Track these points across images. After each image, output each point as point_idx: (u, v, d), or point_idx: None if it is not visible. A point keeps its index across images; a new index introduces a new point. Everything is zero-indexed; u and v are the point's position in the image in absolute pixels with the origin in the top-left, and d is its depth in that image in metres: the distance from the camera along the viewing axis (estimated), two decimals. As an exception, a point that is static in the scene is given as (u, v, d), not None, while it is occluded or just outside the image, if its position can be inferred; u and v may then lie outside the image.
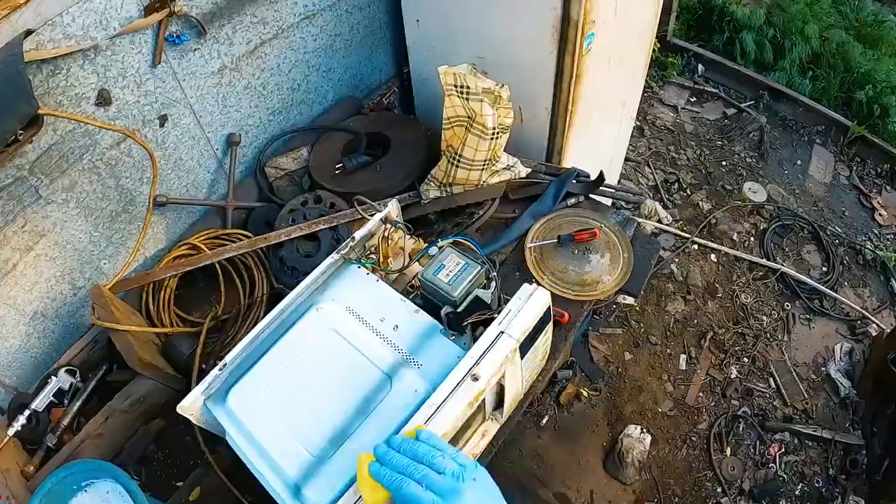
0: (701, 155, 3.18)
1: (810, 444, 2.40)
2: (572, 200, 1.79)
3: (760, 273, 2.77)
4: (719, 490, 2.27)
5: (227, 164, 1.82)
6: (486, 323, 1.14)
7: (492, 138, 1.62)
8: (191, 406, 1.17)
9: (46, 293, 1.61)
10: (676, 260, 2.77)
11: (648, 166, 3.07)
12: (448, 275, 1.20)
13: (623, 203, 2.35)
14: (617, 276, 1.67)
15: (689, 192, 3.02)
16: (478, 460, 0.94)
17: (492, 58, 1.83)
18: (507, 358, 1.09)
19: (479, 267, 1.21)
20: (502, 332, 1.09)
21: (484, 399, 1.15)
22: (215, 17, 1.62)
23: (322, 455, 1.06)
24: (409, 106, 2.20)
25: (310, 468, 1.05)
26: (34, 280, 1.56)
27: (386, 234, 1.32)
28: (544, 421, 2.38)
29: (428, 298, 1.24)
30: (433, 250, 1.26)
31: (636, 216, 2.78)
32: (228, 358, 1.20)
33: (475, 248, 1.26)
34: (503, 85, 1.64)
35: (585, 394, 2.44)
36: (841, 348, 2.61)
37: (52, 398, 1.50)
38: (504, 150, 1.77)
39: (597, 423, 2.39)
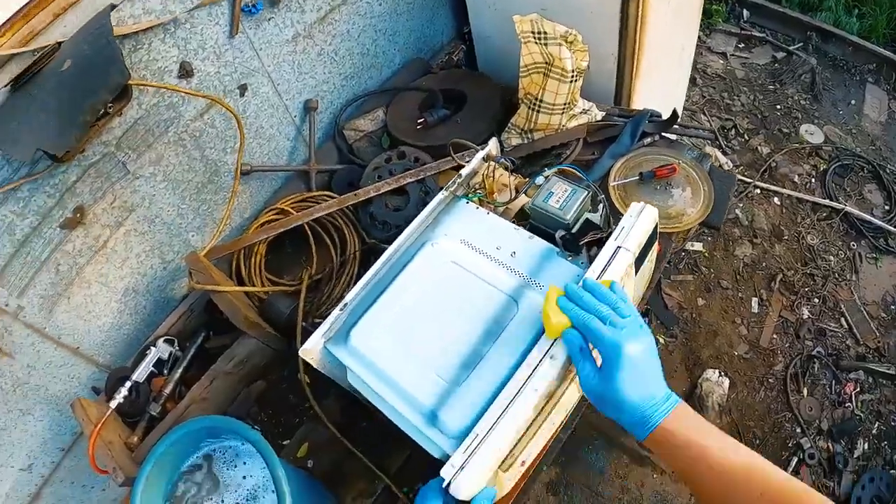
0: (755, 100, 3.09)
1: (884, 382, 2.34)
2: (648, 140, 1.76)
3: (824, 214, 2.69)
4: (798, 431, 2.23)
5: (306, 130, 1.83)
6: (599, 244, 1.13)
7: (571, 81, 1.61)
8: (312, 349, 1.16)
9: (137, 268, 1.61)
10: (741, 205, 2.71)
11: (704, 114, 2.99)
12: (558, 201, 1.20)
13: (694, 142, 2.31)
14: (700, 208, 1.64)
15: (746, 137, 2.94)
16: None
17: (555, 7, 1.80)
18: (625, 272, 1.07)
19: (587, 191, 1.20)
20: (619, 247, 1.08)
21: None
22: None
23: (455, 380, 1.05)
24: (472, 66, 2.18)
25: (444, 394, 1.04)
26: (124, 256, 1.57)
27: (490, 171, 1.31)
28: (622, 370, 2.35)
29: (538, 227, 1.23)
30: (539, 180, 1.25)
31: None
32: (348, 298, 1.20)
33: (580, 175, 1.24)
34: (577, 33, 1.63)
35: (662, 340, 2.40)
36: (910, 288, 2.52)
37: (152, 368, 1.47)
38: (586, 99, 1.77)
39: (675, 369, 2.36)
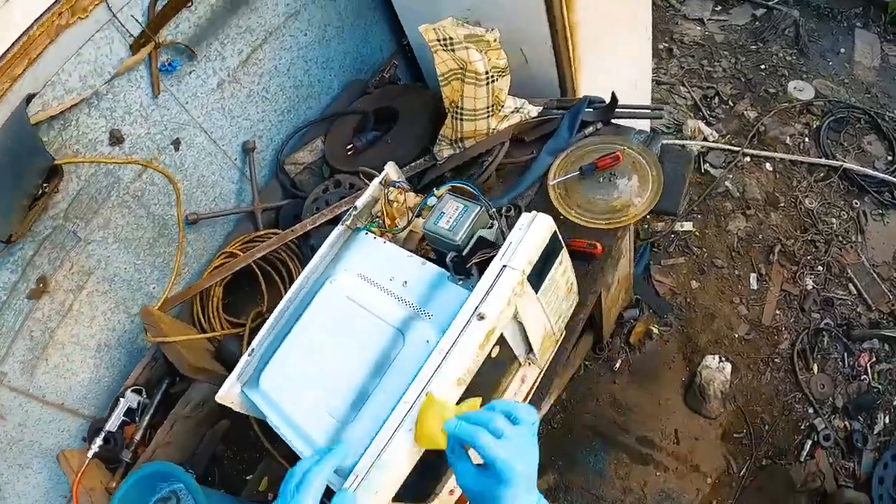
0: (737, 63, 2.90)
1: None
2: (590, 129, 1.67)
3: (821, 174, 2.50)
4: (811, 411, 2.07)
5: (248, 170, 1.82)
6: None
7: (487, 83, 1.54)
8: (228, 394, 1.20)
9: (105, 325, 1.67)
10: (730, 176, 2.55)
11: (683, 85, 2.84)
12: (448, 221, 1.15)
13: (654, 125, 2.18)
14: (648, 197, 1.55)
15: (730, 103, 2.77)
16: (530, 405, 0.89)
17: (479, 6, 1.75)
18: (514, 292, 1.02)
19: (479, 207, 1.14)
20: (505, 266, 1.02)
21: (505, 340, 1.08)
22: (201, 38, 1.63)
23: (345, 419, 1.05)
24: (419, 76, 2.14)
25: (335, 434, 1.05)
26: (91, 315, 1.63)
27: (388, 196, 1.27)
28: (617, 365, 2.25)
29: (438, 250, 1.18)
30: (432, 200, 1.21)
31: (676, 138, 2.58)
32: (255, 343, 1.22)
33: (472, 190, 1.18)
34: (492, 29, 1.57)
35: (656, 330, 2.29)
36: (922, 242, 2.30)
37: (123, 417, 1.58)
38: (512, 95, 1.70)
39: (672, 359, 2.24)
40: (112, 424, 1.57)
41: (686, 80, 2.85)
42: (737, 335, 2.24)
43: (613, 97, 1.66)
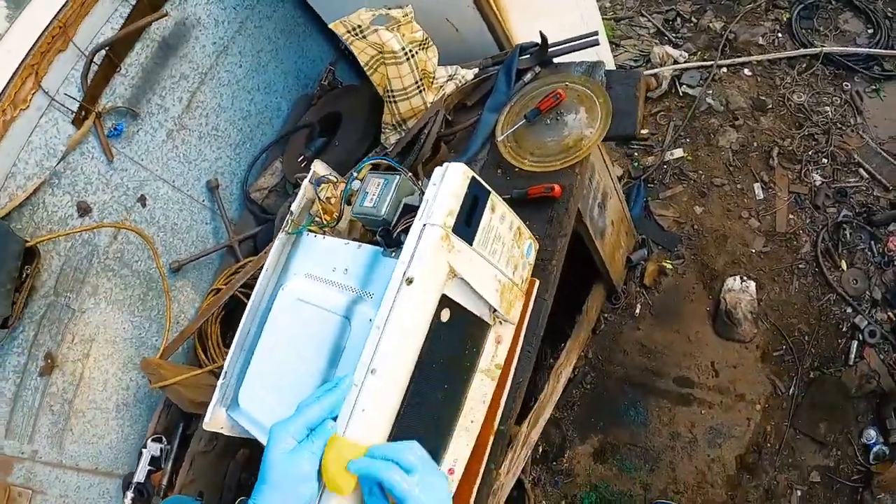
0: (690, -22, 2.71)
1: None
2: (528, 76, 1.57)
3: (803, 65, 2.30)
4: (849, 310, 1.87)
5: (218, 208, 1.81)
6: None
7: (408, 58, 1.49)
8: (214, 420, 1.19)
9: (118, 385, 1.70)
10: (710, 92, 2.38)
11: (643, 15, 2.68)
12: (372, 199, 1.09)
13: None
14: (599, 125, 1.44)
15: (693, 20, 2.60)
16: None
17: None
18: (441, 248, 0.93)
19: (398, 176, 1.07)
20: (425, 225, 0.95)
21: (453, 301, 1.00)
22: (139, 96, 1.65)
23: None
24: (362, 73, 2.08)
25: None
26: (103, 379, 1.67)
27: (321, 193, 1.21)
28: (637, 310, 2.11)
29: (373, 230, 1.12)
30: (355, 184, 1.13)
31: (647, 69, 2.42)
32: (226, 365, 1.21)
33: (388, 161, 1.11)
34: (406, 6, 1.50)
35: (669, 266, 2.13)
36: (925, 105, 2.06)
37: (149, 467, 1.60)
38: (453, 65, 1.66)
39: (692, 291, 2.08)
40: (139, 476, 1.61)
41: (644, 9, 2.69)
42: (753, 250, 2.06)
43: (543, 38, 1.57)
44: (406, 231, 1.02)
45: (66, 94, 1.50)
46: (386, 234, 1.06)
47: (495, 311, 1.12)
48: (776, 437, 1.85)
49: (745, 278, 2.00)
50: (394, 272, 0.93)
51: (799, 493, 1.79)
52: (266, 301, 1.23)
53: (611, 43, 2.51)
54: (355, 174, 1.15)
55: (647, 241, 2.16)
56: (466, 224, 1.00)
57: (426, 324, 0.95)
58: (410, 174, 1.09)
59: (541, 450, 2.01)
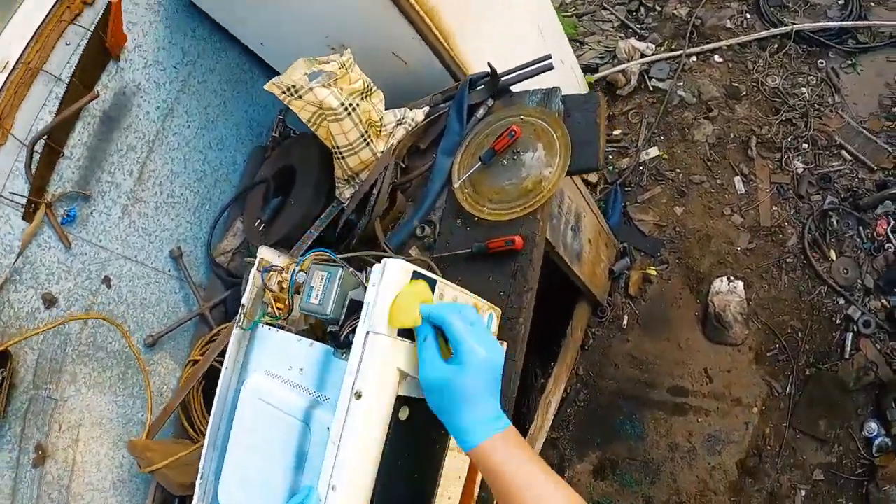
0: (649, -36, 2.54)
1: None
2: (481, 111, 1.46)
3: (775, 45, 2.17)
4: (841, 301, 1.78)
5: (185, 276, 1.73)
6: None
7: (348, 113, 1.37)
8: None
9: (111, 464, 1.67)
10: (680, 84, 2.25)
11: (605, 8, 2.53)
12: (318, 294, 1.01)
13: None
14: (558, 163, 1.34)
15: (657, 8, 2.45)
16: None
17: (332, 30, 1.63)
18: (388, 354, 0.89)
19: (340, 269, 0.98)
20: (368, 332, 0.89)
21: (412, 399, 0.94)
22: (88, 177, 1.58)
23: None
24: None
25: None
26: (96, 461, 1.63)
27: (269, 282, 1.13)
28: (625, 322, 2.03)
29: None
30: (300, 276, 1.04)
31: (614, 66, 2.28)
32: (201, 467, 1.18)
33: (328, 254, 1.02)
34: (345, 50, 1.40)
35: (653, 272, 2.05)
36: (904, 74, 1.92)
37: None
38: (408, 100, 1.60)
39: (679, 296, 2.00)
40: (141, 550, 1.58)
41: (606, 2, 2.52)
42: (739, 248, 1.97)
43: (492, 69, 1.45)
44: (354, 331, 0.94)
45: (11, 192, 1.44)
46: (334, 337, 0.98)
47: None
48: (776, 438, 1.79)
49: (732, 278, 1.91)
50: (343, 383, 0.88)
51: (803, 492, 1.74)
52: (231, 398, 1.19)
53: (574, 41, 2.37)
54: (297, 267, 1.06)
55: (628, 250, 2.06)
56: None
57: (383, 430, 0.90)
58: (351, 269, 1.00)
59: (541, 472, 1.96)
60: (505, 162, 1.37)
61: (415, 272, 0.91)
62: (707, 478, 1.82)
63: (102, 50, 1.64)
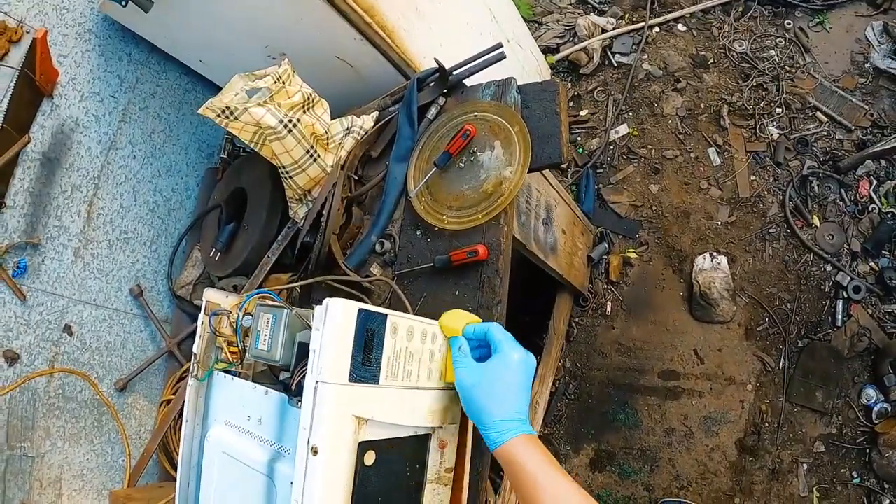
0: (602, -66, 2.37)
1: None
2: (433, 111, 1.32)
3: (739, 8, 2.03)
4: (829, 268, 1.68)
5: (148, 314, 1.61)
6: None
7: (289, 130, 1.24)
8: None
9: None
10: (644, 57, 2.11)
11: (560, -8, 2.35)
12: (265, 339, 0.89)
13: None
14: (518, 161, 1.20)
15: (614, -20, 2.26)
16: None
17: (270, 39, 1.51)
18: (341, 403, 0.79)
19: (284, 311, 0.86)
20: (318, 382, 0.79)
21: (375, 442, 0.84)
22: (34, 223, 1.47)
23: None
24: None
25: None
26: None
27: (219, 327, 1.01)
28: (609, 309, 1.92)
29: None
30: (246, 320, 0.92)
31: (574, 44, 2.13)
32: None
33: (270, 295, 0.89)
34: (283, 60, 1.25)
35: (633, 255, 1.93)
36: (873, 30, 1.77)
37: None
38: (359, 105, 1.48)
39: (662, 278, 1.89)
40: None
41: (561, -18, 2.35)
42: (719, 222, 1.85)
43: (439, 65, 1.31)
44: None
45: (-45, 252, 1.31)
46: (285, 387, 0.86)
47: (442, 428, 0.94)
48: (773, 414, 1.70)
49: (714, 254, 1.80)
50: (298, 439, 0.78)
51: (805, 466, 1.65)
52: (196, 452, 1.08)
53: (532, 22, 2.22)
54: (240, 313, 0.94)
55: (605, 234, 1.94)
56: (366, 363, 0.81)
57: (348, 480, 0.80)
58: (295, 310, 0.87)
59: (538, 470, 1.86)
60: (462, 165, 1.24)
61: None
62: (707, 460, 1.72)
63: (33, 89, 1.50)
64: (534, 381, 1.75)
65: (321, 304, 0.81)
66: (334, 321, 0.80)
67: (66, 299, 1.52)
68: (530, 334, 1.92)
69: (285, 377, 0.89)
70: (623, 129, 2.03)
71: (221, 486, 0.99)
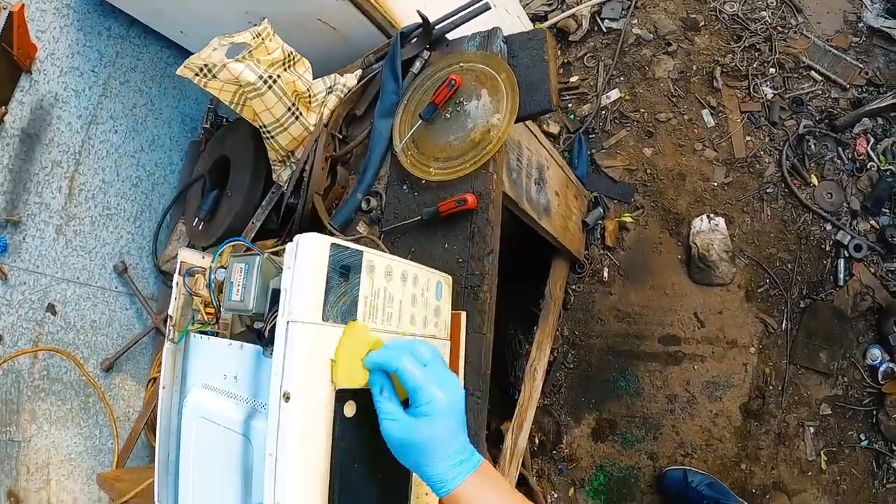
0: None
1: (895, 115, 1.61)
2: (417, 65, 1.24)
3: (729, -32, 1.90)
4: (829, 227, 1.60)
5: (133, 291, 1.53)
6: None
7: (269, 86, 1.17)
8: None
9: (89, 499, 1.53)
10: (634, 21, 2.03)
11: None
12: (238, 290, 0.82)
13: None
14: (507, 107, 1.12)
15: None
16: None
17: (250, 4, 1.42)
18: (314, 343, 0.71)
19: (257, 258, 0.79)
20: (289, 322, 0.71)
21: (353, 391, 0.75)
22: (14, 201, 1.40)
23: None
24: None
25: None
26: (72, 498, 1.49)
27: (195, 287, 0.94)
28: (606, 275, 1.84)
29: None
30: (220, 273, 0.85)
31: (563, 11, 2.05)
32: (156, 497, 1.01)
33: (242, 242, 0.82)
34: (262, 20, 1.18)
35: (629, 219, 1.85)
36: (867, -11, 1.70)
37: None
38: (342, 67, 1.40)
39: (659, 241, 1.81)
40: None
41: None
42: (715, 184, 1.77)
43: (423, 18, 1.23)
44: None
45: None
46: (258, 335, 0.79)
47: None
48: (777, 377, 1.61)
49: (712, 216, 1.72)
50: (271, 387, 0.70)
51: (812, 429, 1.57)
52: (175, 419, 1.02)
53: (519, -9, 2.13)
54: (213, 264, 0.86)
55: (600, 199, 1.86)
56: (340, 302, 0.74)
57: (326, 432, 0.73)
58: (268, 253, 0.79)
59: (537, 441, 1.78)
60: (448, 115, 1.17)
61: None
62: (711, 426, 1.64)
63: (11, 64, 1.43)
64: (530, 348, 1.69)
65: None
66: (305, 257, 0.72)
67: (48, 278, 1.45)
68: (527, 303, 1.84)
69: (259, 326, 0.82)
70: (614, 95, 1.95)
71: (199, 451, 0.92)
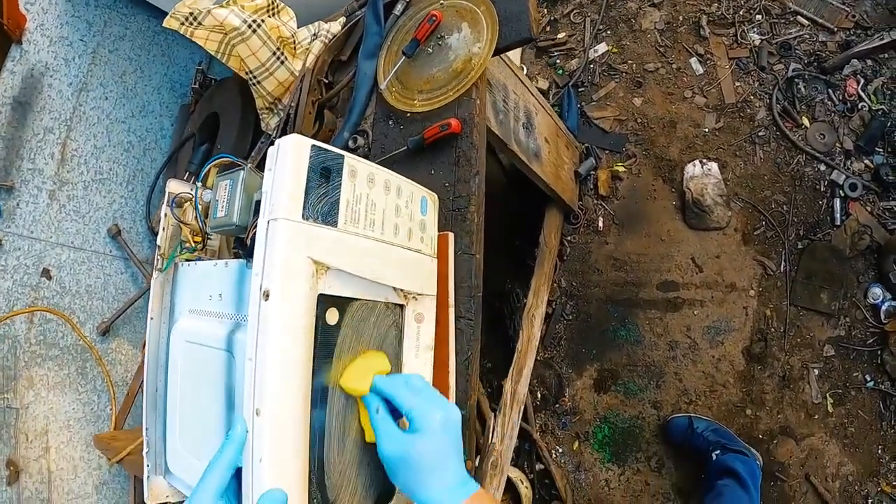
0: None
1: (885, 56, 1.62)
2: (399, 7, 1.23)
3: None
4: (823, 168, 1.57)
5: (128, 254, 1.51)
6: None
7: (253, 31, 1.16)
8: (154, 493, 0.96)
9: (89, 466, 1.51)
10: (619, -21, 1.98)
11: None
12: (223, 206, 0.80)
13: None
14: (487, 37, 1.10)
15: None
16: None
17: None
18: (294, 242, 0.69)
19: (240, 171, 0.77)
20: (269, 221, 0.69)
21: (336, 297, 0.74)
22: (7, 167, 1.40)
23: None
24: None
25: None
26: (72, 466, 1.47)
27: (183, 216, 0.93)
28: (601, 224, 1.81)
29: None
30: (206, 195, 0.83)
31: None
32: (145, 435, 0.97)
33: (226, 157, 0.81)
34: None
35: (622, 168, 1.82)
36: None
37: None
38: (328, 20, 1.37)
39: (652, 188, 1.78)
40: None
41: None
42: (706, 129, 1.74)
43: (405, -48, 1.21)
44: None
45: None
46: (243, 246, 0.76)
47: (400, 290, 0.82)
48: (778, 319, 1.57)
49: (704, 161, 1.69)
50: (251, 290, 0.68)
51: (816, 371, 1.52)
52: (163, 352, 0.99)
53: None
54: (199, 184, 0.84)
55: (592, 149, 1.83)
56: (321, 201, 0.70)
57: (307, 336, 0.70)
58: (250, 165, 0.78)
59: (539, 395, 1.75)
60: (430, 50, 1.15)
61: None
62: (713, 371, 1.60)
63: (2, 35, 1.42)
64: (527, 295, 1.65)
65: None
66: (286, 156, 0.70)
67: (42, 242, 1.43)
68: (524, 259, 1.81)
69: (241, 237, 0.80)
70: (602, 48, 1.92)
71: (185, 376, 0.89)
